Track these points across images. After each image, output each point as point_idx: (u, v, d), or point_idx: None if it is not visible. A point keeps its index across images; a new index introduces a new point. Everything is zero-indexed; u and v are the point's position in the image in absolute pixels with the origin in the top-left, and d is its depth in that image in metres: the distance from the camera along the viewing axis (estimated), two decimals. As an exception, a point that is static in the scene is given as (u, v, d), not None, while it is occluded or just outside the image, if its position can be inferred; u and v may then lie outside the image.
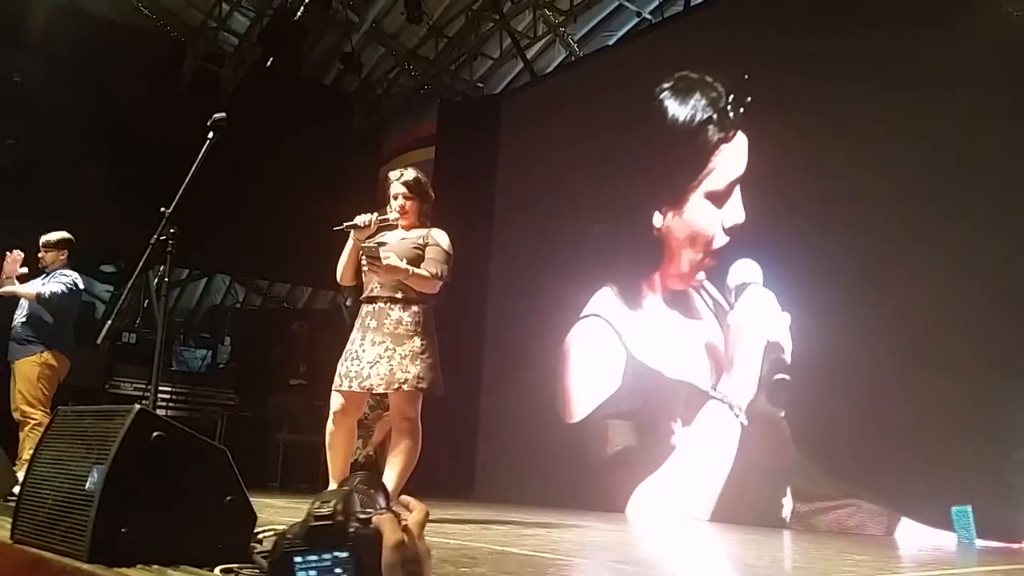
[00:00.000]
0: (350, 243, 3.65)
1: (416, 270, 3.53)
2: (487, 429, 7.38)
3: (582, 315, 6.44)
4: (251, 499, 1.88)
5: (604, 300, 6.32)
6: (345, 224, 3.62)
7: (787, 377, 4.99)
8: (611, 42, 7.76)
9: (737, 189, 5.52)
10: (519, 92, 8.23)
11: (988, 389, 4.20)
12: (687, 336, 5.69)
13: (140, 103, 7.11)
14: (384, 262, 3.45)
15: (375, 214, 3.63)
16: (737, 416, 5.20)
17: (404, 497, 1.68)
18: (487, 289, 7.54)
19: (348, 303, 7.51)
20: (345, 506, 1.16)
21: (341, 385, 3.57)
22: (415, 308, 3.59)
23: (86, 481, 1.80)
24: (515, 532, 3.58)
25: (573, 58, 7.89)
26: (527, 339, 7.04)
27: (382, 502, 1.67)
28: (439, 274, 3.57)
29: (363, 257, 3.50)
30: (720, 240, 5.55)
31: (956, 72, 4.54)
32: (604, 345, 6.22)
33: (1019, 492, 3.94)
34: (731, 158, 5.60)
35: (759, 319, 5.22)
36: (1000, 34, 4.38)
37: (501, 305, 7.50)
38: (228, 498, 1.85)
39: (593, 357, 6.32)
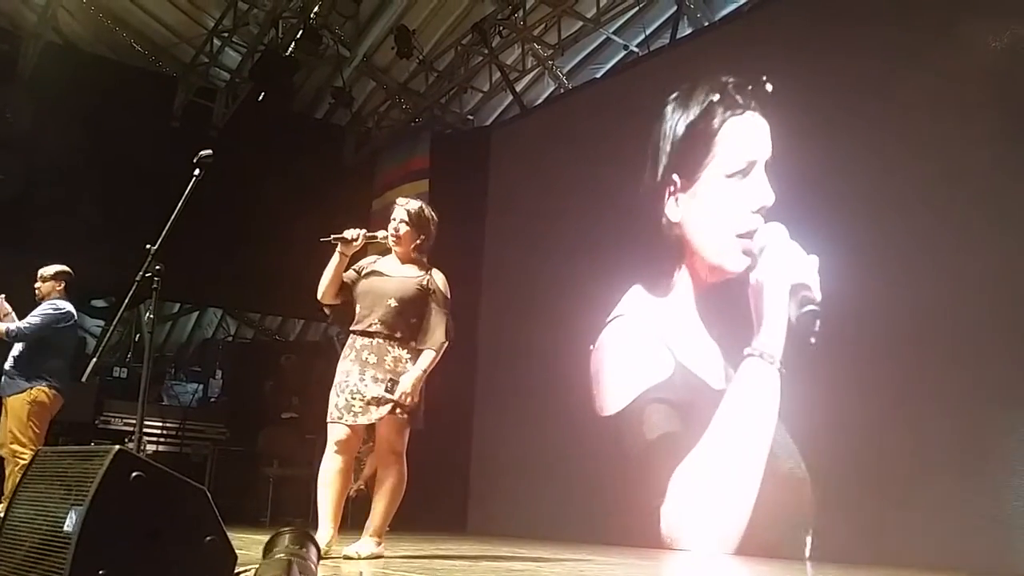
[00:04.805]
0: (335, 259, 3.64)
1: (429, 362, 3.55)
2: (479, 460, 7.34)
3: (610, 317, 6.29)
4: (240, 534, 1.86)
5: (635, 297, 6.17)
6: (333, 236, 3.62)
7: (816, 308, 4.74)
8: (599, 74, 7.84)
9: (761, 171, 5.38)
10: (509, 124, 8.31)
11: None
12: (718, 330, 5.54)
13: (132, 138, 7.14)
14: (405, 396, 3.47)
15: (364, 230, 3.66)
16: (772, 364, 5.00)
17: None
18: (478, 319, 7.54)
19: (340, 335, 7.48)
20: None
21: (343, 419, 3.50)
22: (413, 343, 3.60)
23: (64, 523, 1.78)
24: (505, 568, 3.54)
25: (562, 90, 7.97)
26: (519, 368, 7.03)
27: (314, 556, 1.66)
28: (445, 342, 3.59)
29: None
30: (749, 224, 5.32)
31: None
32: (633, 343, 6.06)
33: None
34: (744, 137, 5.51)
35: (782, 264, 5.01)
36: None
37: (493, 335, 7.50)
38: (208, 538, 1.84)
39: (623, 355, 6.15)
